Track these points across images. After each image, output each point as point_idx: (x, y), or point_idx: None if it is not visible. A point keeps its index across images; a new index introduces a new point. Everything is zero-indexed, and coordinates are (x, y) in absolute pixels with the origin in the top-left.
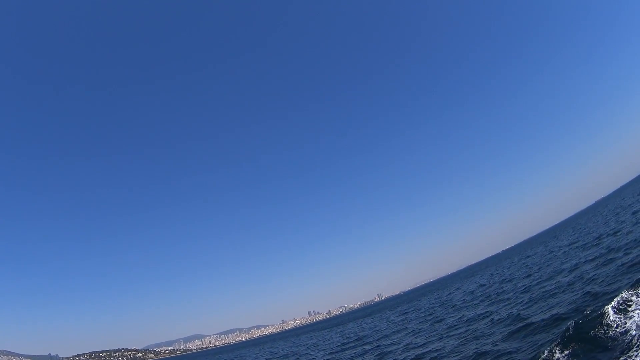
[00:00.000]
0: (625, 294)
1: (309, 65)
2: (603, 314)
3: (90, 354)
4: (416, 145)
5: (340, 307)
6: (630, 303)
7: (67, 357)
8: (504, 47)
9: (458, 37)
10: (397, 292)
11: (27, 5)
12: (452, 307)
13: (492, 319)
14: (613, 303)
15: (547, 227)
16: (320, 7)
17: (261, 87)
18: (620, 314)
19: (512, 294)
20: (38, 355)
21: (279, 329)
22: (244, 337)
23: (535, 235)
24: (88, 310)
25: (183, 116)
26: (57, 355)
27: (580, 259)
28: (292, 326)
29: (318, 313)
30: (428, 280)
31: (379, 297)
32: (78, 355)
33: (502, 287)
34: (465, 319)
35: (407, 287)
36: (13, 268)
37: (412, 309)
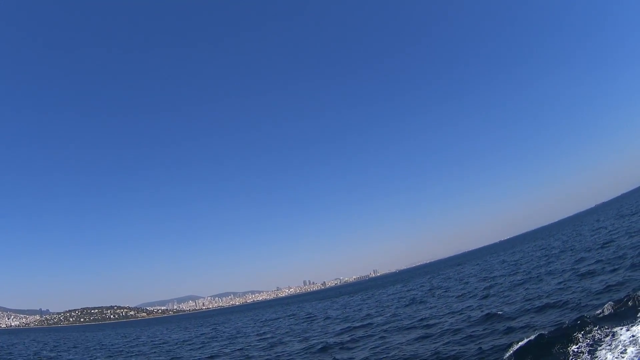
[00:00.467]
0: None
1: (306, 60)
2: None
3: (82, 309)
4: (421, 127)
5: (336, 279)
6: None
7: (57, 313)
8: (518, 43)
9: (457, 37)
10: (393, 269)
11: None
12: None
13: None
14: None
15: (541, 225)
16: (314, 6)
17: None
18: None
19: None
20: (28, 310)
21: (273, 295)
22: (237, 301)
23: (531, 231)
24: (81, 266)
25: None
26: (47, 310)
27: None
28: (287, 294)
29: (313, 283)
30: (424, 262)
31: (374, 272)
32: (69, 311)
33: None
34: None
35: (403, 265)
36: (2, 221)
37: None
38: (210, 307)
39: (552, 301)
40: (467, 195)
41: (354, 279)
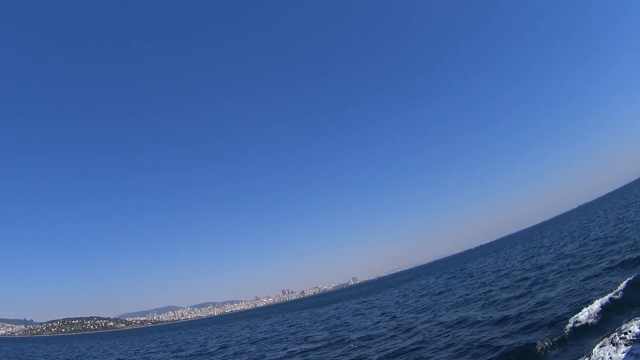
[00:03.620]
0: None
1: (305, 60)
2: None
3: (63, 320)
4: (399, 134)
5: (315, 288)
6: None
7: (40, 323)
8: (505, 42)
9: (455, 35)
10: (372, 277)
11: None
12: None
13: None
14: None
15: (521, 229)
16: (313, 6)
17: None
18: None
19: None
20: (14, 320)
21: (252, 305)
22: (216, 311)
23: (515, 234)
24: (64, 276)
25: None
26: (31, 320)
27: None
28: (265, 304)
29: (292, 292)
30: (403, 269)
31: (353, 280)
32: (51, 321)
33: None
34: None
35: (383, 272)
36: None
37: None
38: (189, 317)
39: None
40: (447, 201)
41: (333, 287)
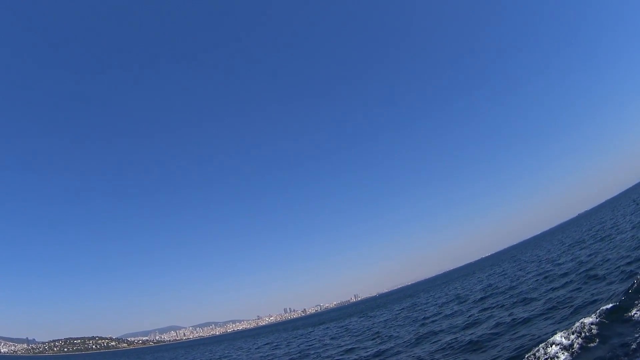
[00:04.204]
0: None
1: (304, 60)
2: None
3: (65, 340)
4: (396, 149)
5: (316, 306)
6: None
7: (43, 342)
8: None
9: (455, 36)
10: (374, 293)
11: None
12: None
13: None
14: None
15: (523, 239)
16: (313, 6)
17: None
18: None
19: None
20: (17, 339)
21: (254, 324)
22: (218, 331)
23: (518, 244)
24: (67, 296)
25: (166, 108)
26: (34, 339)
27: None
28: (267, 322)
29: (294, 311)
30: (405, 284)
31: (355, 297)
32: (53, 341)
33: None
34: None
35: (385, 288)
36: None
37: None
38: (191, 337)
39: None
40: (448, 215)
41: (335, 304)
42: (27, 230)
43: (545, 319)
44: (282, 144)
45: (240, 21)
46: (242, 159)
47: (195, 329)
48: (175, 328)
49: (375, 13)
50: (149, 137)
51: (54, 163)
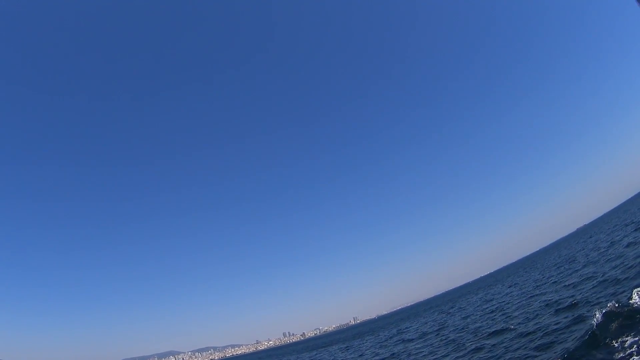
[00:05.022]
0: None
1: (308, 67)
2: None
3: None
4: (393, 171)
5: (315, 329)
6: None
7: None
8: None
9: (457, 41)
10: (373, 315)
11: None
12: None
13: None
14: None
15: (523, 256)
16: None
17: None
18: None
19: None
20: None
21: (252, 349)
22: (217, 355)
23: (517, 261)
24: (64, 322)
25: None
26: None
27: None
28: (266, 347)
29: (293, 334)
30: (405, 305)
31: (354, 320)
32: None
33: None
34: None
35: (384, 310)
36: None
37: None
38: None
39: None
40: (447, 235)
41: (334, 327)
42: (25, 256)
43: None
44: (282, 171)
45: (240, 21)
46: (238, 187)
47: (194, 354)
48: (173, 353)
49: (384, 16)
50: (148, 142)
51: (59, 190)
